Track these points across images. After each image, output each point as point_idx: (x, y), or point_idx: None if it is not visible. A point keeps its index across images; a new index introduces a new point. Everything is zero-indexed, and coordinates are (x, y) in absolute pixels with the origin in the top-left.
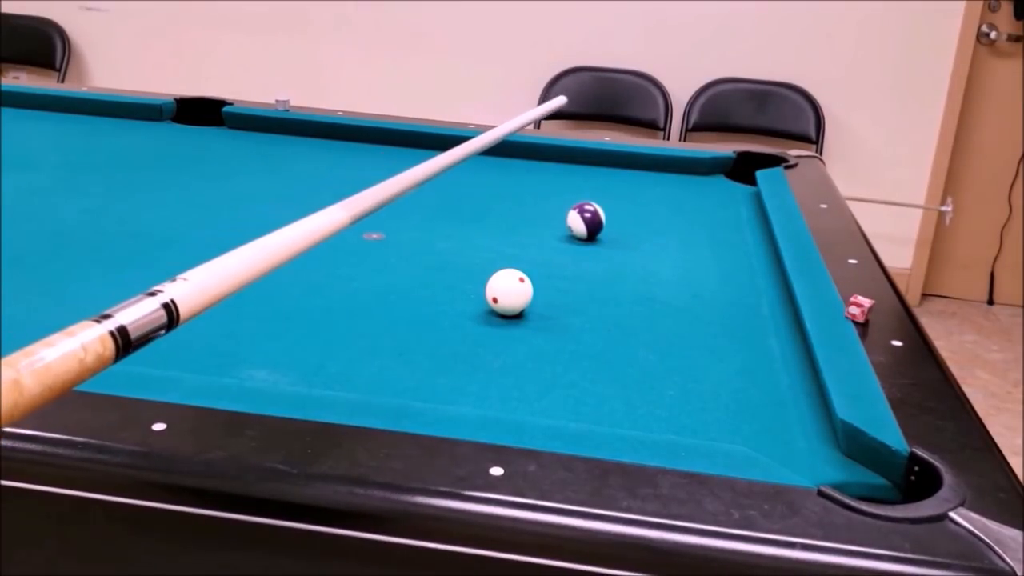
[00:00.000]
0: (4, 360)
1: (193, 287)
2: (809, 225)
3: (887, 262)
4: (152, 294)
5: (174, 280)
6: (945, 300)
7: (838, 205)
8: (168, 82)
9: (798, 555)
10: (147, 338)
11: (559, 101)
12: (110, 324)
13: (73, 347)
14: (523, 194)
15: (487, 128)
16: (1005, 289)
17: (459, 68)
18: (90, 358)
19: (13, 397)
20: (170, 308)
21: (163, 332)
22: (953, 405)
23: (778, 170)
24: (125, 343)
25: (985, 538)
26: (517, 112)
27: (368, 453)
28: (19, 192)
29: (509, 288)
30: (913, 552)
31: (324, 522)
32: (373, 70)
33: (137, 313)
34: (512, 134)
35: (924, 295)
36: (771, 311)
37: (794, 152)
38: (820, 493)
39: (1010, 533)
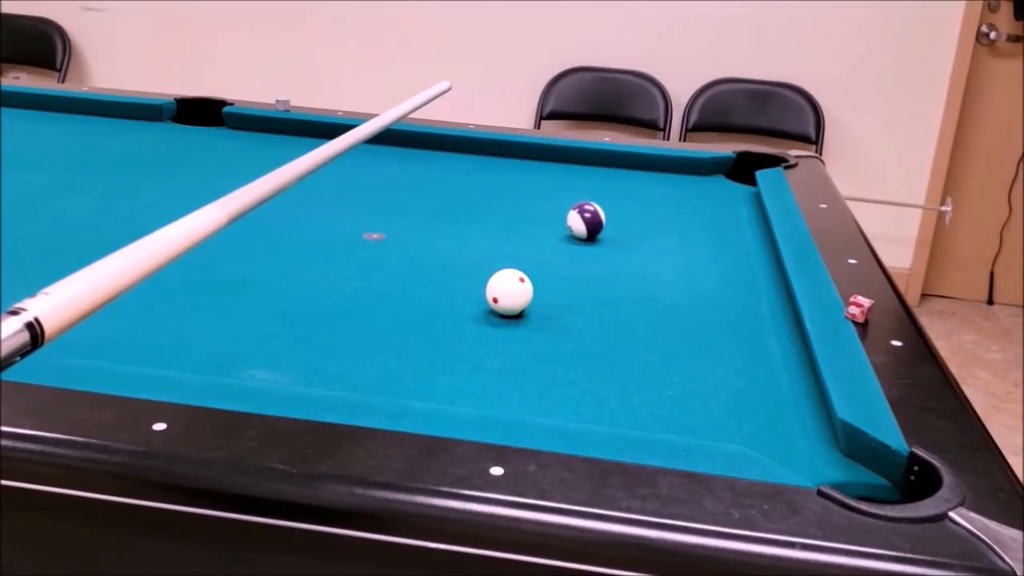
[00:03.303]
0: None
1: (57, 302)
2: (809, 225)
3: (887, 262)
4: (14, 312)
5: (35, 296)
6: (945, 300)
7: (838, 205)
8: (168, 82)
9: (798, 555)
10: (9, 360)
11: (442, 86)
12: None
13: None
14: (523, 194)
15: (486, 128)
16: (1005, 289)
17: (459, 68)
18: None
19: None
20: (34, 327)
21: (28, 352)
22: (953, 405)
23: (778, 170)
24: None
25: (985, 538)
26: (516, 112)
27: (368, 453)
28: (19, 192)
29: (509, 288)
30: (913, 552)
31: (324, 522)
32: (373, 70)
33: None
34: (396, 122)
35: (924, 295)
36: (771, 311)
37: (794, 152)
38: (820, 493)
39: (1010, 533)
